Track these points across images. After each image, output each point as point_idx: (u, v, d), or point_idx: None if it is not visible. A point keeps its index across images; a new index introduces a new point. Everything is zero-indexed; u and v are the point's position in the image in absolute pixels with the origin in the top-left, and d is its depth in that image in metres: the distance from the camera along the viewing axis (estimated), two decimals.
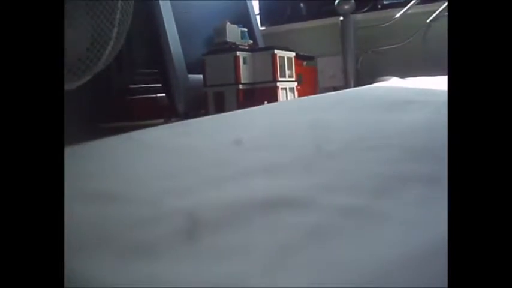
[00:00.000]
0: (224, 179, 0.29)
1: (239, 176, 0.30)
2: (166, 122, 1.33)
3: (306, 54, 1.74)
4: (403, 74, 1.45)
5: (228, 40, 1.35)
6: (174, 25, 1.41)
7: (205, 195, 0.26)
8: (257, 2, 2.09)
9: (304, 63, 1.74)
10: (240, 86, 1.28)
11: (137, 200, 0.25)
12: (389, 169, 0.34)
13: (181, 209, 0.24)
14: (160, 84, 1.47)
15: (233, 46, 1.35)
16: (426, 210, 0.27)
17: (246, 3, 1.89)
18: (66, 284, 0.19)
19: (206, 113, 1.31)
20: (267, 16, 2.10)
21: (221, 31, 1.37)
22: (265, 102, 1.24)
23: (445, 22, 1.69)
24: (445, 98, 0.33)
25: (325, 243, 0.23)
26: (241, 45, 1.38)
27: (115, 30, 1.10)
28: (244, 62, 1.32)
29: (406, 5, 1.77)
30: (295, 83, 1.41)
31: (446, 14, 1.69)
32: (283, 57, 1.36)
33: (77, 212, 0.24)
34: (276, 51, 1.32)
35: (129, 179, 0.30)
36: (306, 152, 0.36)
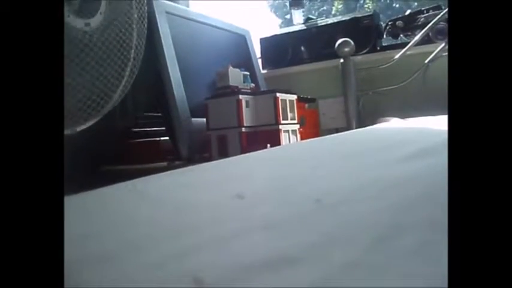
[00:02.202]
0: (226, 238, 0.30)
1: (240, 233, 0.30)
2: (169, 166, 1.34)
3: (307, 96, 1.77)
4: (403, 114, 1.47)
5: (231, 84, 1.37)
6: (178, 69, 1.43)
7: (207, 256, 0.27)
8: (258, 45, 2.14)
9: (306, 105, 1.76)
10: (243, 129, 1.29)
11: (140, 263, 0.26)
12: (388, 219, 0.34)
13: (184, 272, 0.24)
14: (163, 128, 1.49)
15: (235, 90, 1.36)
16: (424, 260, 0.27)
17: (247, 47, 1.94)
18: None
19: (209, 157, 1.32)
20: (268, 59, 2.14)
21: (224, 75, 1.39)
22: (268, 145, 1.24)
23: (442, 62, 1.72)
24: (444, 137, 0.34)
25: None
26: (244, 89, 1.40)
27: (125, 79, 1.12)
28: (247, 106, 1.33)
29: (404, 47, 1.80)
30: (298, 125, 1.42)
31: (444, 54, 1.72)
32: (285, 100, 1.38)
33: (76, 275, 0.24)
34: (278, 94, 1.34)
35: (131, 238, 0.30)
36: (305, 206, 0.37)
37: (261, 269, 0.25)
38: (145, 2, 1.15)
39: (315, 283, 0.25)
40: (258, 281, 0.25)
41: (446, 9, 1.78)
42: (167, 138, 1.46)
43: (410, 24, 1.91)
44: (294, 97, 1.43)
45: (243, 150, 1.24)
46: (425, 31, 1.77)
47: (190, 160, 1.34)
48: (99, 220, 0.36)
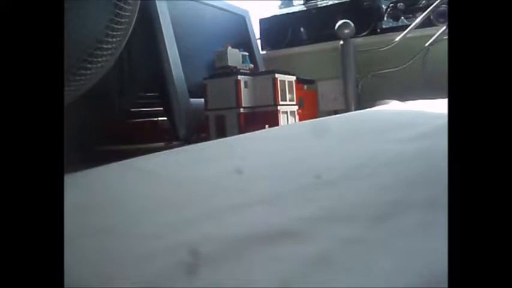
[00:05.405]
0: (225, 211, 0.29)
1: (239, 207, 0.30)
2: (167, 146, 1.34)
3: (306, 78, 1.76)
4: (403, 97, 1.46)
5: (230, 64, 1.36)
6: (176, 49, 1.42)
7: (206, 228, 0.26)
8: (258, 26, 2.12)
9: (305, 86, 1.75)
10: (241, 110, 1.29)
11: (139, 234, 0.25)
12: (388, 196, 0.34)
13: (182, 243, 0.24)
14: (161, 108, 1.48)
15: (234, 70, 1.36)
16: (424, 237, 0.27)
17: (247, 28, 1.92)
18: None
19: (207, 137, 1.31)
20: (267, 40, 2.12)
21: (222, 55, 1.38)
22: (266, 126, 1.24)
23: (443, 45, 1.71)
24: (444, 120, 0.33)
25: (325, 275, 0.23)
26: (243, 69, 1.39)
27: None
28: (246, 86, 1.33)
29: (405, 29, 1.79)
30: (296, 107, 1.42)
31: (444, 37, 1.71)
32: (284, 81, 1.37)
33: (77, 247, 0.24)
34: (277, 75, 1.33)
35: (131, 211, 0.30)
36: (305, 181, 0.36)
37: (259, 241, 0.25)
38: None
39: (314, 257, 0.25)
40: (256, 254, 0.24)
41: None
42: (165, 118, 1.45)
43: (411, 6, 1.89)
44: (293, 78, 1.43)
45: (241, 131, 1.23)
46: (426, 14, 1.75)
47: (188, 140, 1.33)
48: (98, 195, 0.36)
